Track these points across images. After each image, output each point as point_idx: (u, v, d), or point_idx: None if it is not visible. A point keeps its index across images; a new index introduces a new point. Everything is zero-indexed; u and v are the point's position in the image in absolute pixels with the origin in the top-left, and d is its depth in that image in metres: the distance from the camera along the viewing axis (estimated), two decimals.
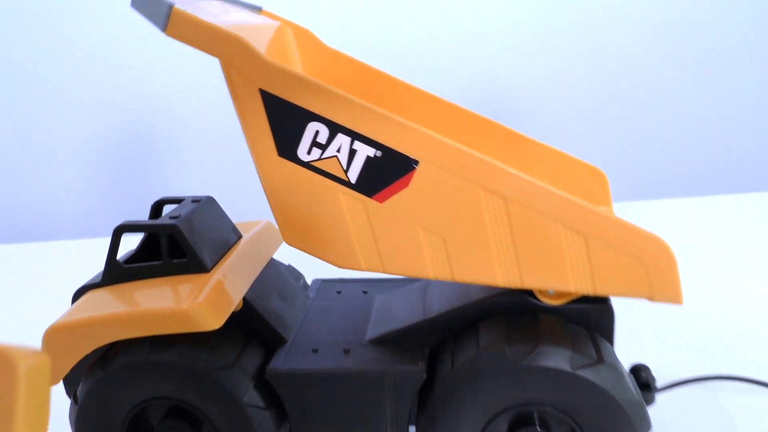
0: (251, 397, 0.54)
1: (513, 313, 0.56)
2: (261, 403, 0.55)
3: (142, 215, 1.58)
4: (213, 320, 0.52)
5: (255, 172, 1.56)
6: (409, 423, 0.56)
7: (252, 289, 0.60)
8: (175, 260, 0.57)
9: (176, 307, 0.52)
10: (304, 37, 0.62)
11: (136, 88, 1.56)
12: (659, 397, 0.65)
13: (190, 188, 1.59)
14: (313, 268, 0.87)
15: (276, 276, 0.65)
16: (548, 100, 1.60)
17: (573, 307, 0.54)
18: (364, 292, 0.68)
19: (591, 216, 0.48)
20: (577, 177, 0.62)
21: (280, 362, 0.56)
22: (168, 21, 0.43)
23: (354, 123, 0.46)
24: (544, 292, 0.54)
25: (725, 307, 0.86)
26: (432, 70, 1.54)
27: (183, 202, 0.63)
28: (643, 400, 0.51)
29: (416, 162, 0.47)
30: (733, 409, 0.65)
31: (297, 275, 0.70)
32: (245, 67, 0.45)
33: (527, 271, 0.50)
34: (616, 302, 0.54)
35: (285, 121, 0.47)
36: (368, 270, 0.51)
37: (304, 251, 0.51)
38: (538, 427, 0.52)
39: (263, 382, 0.56)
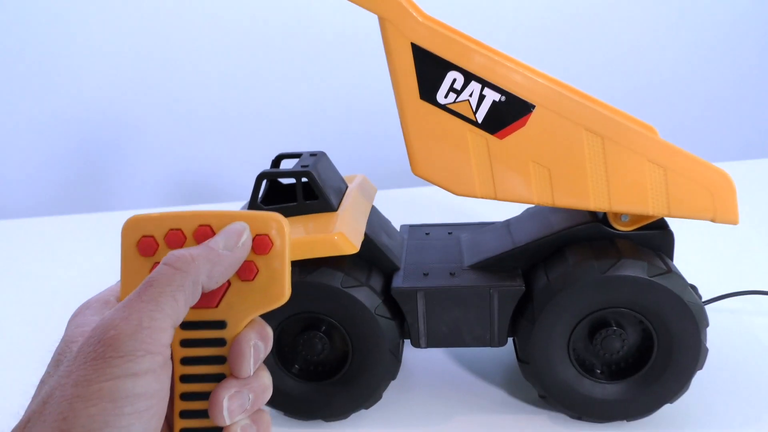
0: (381, 309, 0.65)
1: (592, 239, 0.67)
2: (388, 314, 0.66)
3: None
4: (350, 247, 0.63)
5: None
6: (507, 335, 0.68)
7: (368, 226, 0.70)
8: (308, 201, 0.68)
9: (324, 236, 0.62)
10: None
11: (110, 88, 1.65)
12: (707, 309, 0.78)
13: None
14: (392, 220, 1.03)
15: (379, 218, 0.76)
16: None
17: (641, 233, 0.66)
18: (449, 233, 0.79)
19: (670, 151, 0.60)
20: None
21: (401, 282, 0.67)
22: None
23: (485, 73, 0.58)
24: (618, 220, 0.66)
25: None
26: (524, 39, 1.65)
27: (302, 156, 0.73)
28: (702, 303, 0.64)
29: (533, 106, 0.59)
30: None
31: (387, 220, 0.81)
32: (401, 24, 0.56)
33: (615, 197, 0.62)
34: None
35: (429, 70, 0.58)
36: (482, 197, 0.63)
37: (429, 180, 0.63)
38: (615, 327, 0.64)
39: (389, 299, 0.67)
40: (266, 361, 0.67)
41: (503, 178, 0.62)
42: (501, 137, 0.60)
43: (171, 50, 1.65)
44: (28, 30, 1.61)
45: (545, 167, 0.61)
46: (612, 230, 0.67)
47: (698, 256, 1.01)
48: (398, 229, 0.83)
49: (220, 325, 0.40)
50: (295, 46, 1.63)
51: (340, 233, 0.62)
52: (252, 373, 0.39)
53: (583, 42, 1.73)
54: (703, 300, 0.74)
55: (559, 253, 0.67)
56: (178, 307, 0.36)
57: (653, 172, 0.61)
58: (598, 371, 0.66)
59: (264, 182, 0.71)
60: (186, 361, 0.40)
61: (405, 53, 0.58)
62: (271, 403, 0.69)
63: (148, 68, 1.66)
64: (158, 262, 0.40)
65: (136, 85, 1.67)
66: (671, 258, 0.67)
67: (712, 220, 0.62)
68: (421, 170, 0.63)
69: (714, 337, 0.78)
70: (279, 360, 0.68)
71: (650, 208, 0.62)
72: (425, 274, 0.69)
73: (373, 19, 0.58)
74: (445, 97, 0.59)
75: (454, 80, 0.59)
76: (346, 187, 0.75)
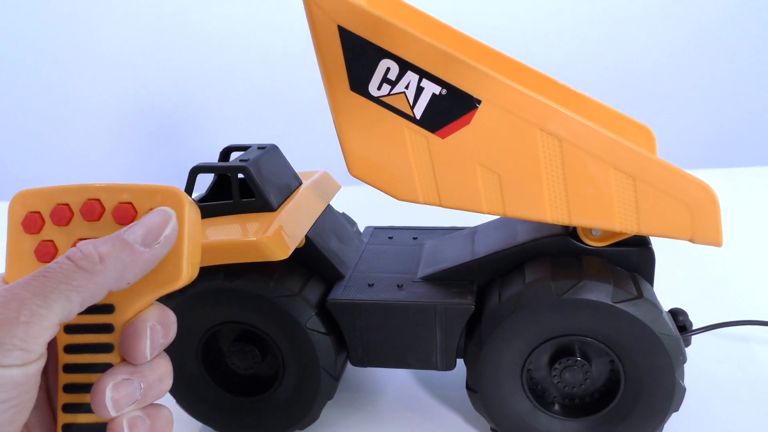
0: (313, 322, 0.59)
1: (558, 254, 0.59)
2: (322, 329, 0.59)
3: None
4: (281, 252, 0.56)
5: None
6: (456, 356, 0.60)
7: (313, 229, 0.64)
8: (244, 200, 0.62)
9: (249, 239, 0.56)
10: None
11: (162, 72, 1.63)
12: (695, 339, 0.68)
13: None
14: (363, 219, 0.92)
15: (333, 220, 0.69)
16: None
17: (615, 249, 0.58)
18: (414, 238, 0.72)
19: (640, 159, 0.51)
20: (626, 133, 0.65)
21: (339, 294, 0.60)
22: None
23: (423, 61, 0.50)
24: (589, 234, 0.58)
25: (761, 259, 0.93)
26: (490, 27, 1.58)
27: (250, 149, 0.67)
28: (679, 335, 0.55)
29: (479, 101, 0.51)
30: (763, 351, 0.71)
31: (351, 222, 0.75)
32: (326, 4, 0.49)
33: (576, 209, 0.53)
34: (657, 250, 0.63)
35: (359, 57, 0.51)
36: (425, 203, 0.55)
37: (367, 183, 0.56)
38: (578, 358, 0.56)
39: (324, 311, 0.60)
40: (192, 370, 0.63)
41: (447, 182, 0.54)
42: (443, 136, 0.52)
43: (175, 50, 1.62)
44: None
45: (494, 172, 0.53)
46: (581, 245, 0.58)
47: (703, 275, 0.90)
48: (362, 230, 0.76)
49: (107, 309, 0.36)
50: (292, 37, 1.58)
51: (268, 237, 0.56)
52: (149, 359, 0.35)
53: (587, 39, 1.62)
54: (695, 328, 0.64)
55: (519, 269, 0.59)
56: (71, 307, 0.31)
57: (620, 182, 0.52)
58: (556, 406, 0.58)
59: (200, 176, 0.65)
60: (70, 348, 0.36)
61: (332, 38, 0.51)
62: (198, 416, 0.64)
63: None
64: (45, 241, 0.36)
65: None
66: (651, 280, 0.59)
67: (691, 241, 0.53)
68: (357, 171, 0.56)
69: (712, 369, 0.68)
70: (207, 371, 0.63)
71: (617, 223, 0.53)
72: (370, 285, 0.62)
73: None
74: (378, 88, 0.52)
75: (388, 69, 0.51)
76: (299, 184, 0.69)
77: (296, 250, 0.63)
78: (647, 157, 0.51)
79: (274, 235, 0.57)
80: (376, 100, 0.52)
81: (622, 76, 1.66)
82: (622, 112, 0.68)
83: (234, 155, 0.70)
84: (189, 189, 0.63)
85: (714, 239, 0.52)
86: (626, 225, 0.53)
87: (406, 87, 0.51)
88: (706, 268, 0.92)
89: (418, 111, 0.52)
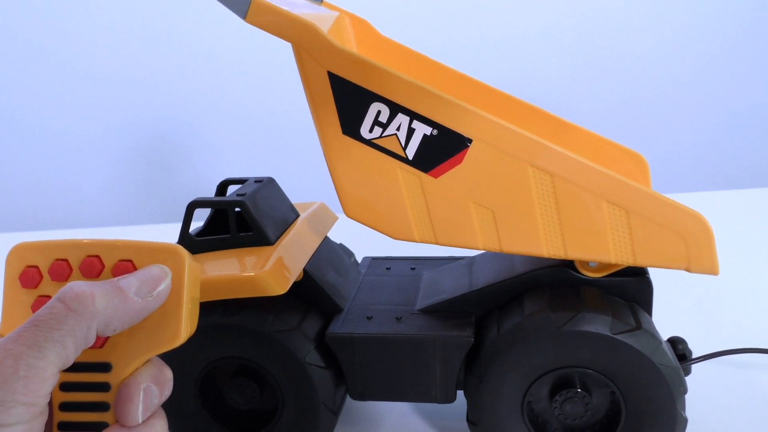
0: (312, 357, 0.59)
1: (556, 285, 0.59)
2: (321, 363, 0.59)
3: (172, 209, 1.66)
4: (279, 287, 0.57)
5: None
6: (456, 388, 0.60)
7: (311, 262, 0.64)
8: (242, 234, 0.62)
9: (247, 274, 0.56)
10: (361, 26, 0.66)
11: (165, 100, 1.64)
12: (695, 368, 0.68)
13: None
14: (361, 249, 0.92)
15: (331, 252, 0.70)
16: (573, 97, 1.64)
17: (613, 279, 0.58)
18: (412, 269, 0.72)
19: (633, 191, 0.51)
20: (617, 161, 0.65)
21: (338, 327, 0.61)
22: (248, 9, 0.48)
23: (413, 103, 0.51)
24: (586, 266, 0.58)
25: (759, 285, 0.93)
26: (476, 61, 1.59)
27: (246, 183, 0.68)
28: (679, 365, 0.55)
29: (470, 140, 0.51)
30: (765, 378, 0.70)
31: (349, 253, 0.75)
32: (316, 51, 0.50)
33: (571, 242, 0.53)
34: (654, 279, 0.62)
35: (350, 101, 0.51)
36: (421, 241, 0.55)
37: (363, 223, 0.56)
38: (578, 389, 0.56)
39: (323, 345, 0.61)
40: (190, 406, 0.63)
41: (442, 221, 0.54)
42: (436, 176, 0.53)
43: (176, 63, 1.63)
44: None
45: (488, 209, 0.53)
46: (579, 276, 0.58)
47: (703, 303, 0.89)
48: (360, 261, 0.77)
49: (104, 367, 0.36)
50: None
51: (266, 272, 0.56)
52: (141, 421, 0.35)
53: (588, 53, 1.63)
54: (695, 357, 0.64)
55: (517, 301, 0.59)
56: (66, 353, 0.31)
57: (613, 215, 0.52)
58: None
59: (196, 211, 0.65)
60: (65, 406, 0.36)
61: (322, 83, 0.51)
62: None
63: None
64: (42, 296, 0.36)
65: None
66: (649, 309, 0.59)
67: (687, 270, 0.53)
68: (352, 212, 0.56)
69: (713, 398, 0.68)
70: (205, 407, 0.63)
71: (612, 255, 0.53)
72: (369, 318, 0.62)
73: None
74: (370, 131, 0.52)
75: (379, 112, 0.51)
76: (296, 216, 0.69)
77: (294, 283, 0.63)
78: (639, 189, 0.51)
79: (272, 269, 0.57)
80: (369, 143, 0.52)
81: (615, 101, 1.66)
82: (615, 137, 0.68)
83: (231, 189, 0.70)
84: (186, 223, 0.63)
85: (710, 268, 0.53)
86: (622, 257, 0.53)
87: (398, 129, 0.52)
88: (705, 296, 0.91)
89: (411, 152, 0.52)
